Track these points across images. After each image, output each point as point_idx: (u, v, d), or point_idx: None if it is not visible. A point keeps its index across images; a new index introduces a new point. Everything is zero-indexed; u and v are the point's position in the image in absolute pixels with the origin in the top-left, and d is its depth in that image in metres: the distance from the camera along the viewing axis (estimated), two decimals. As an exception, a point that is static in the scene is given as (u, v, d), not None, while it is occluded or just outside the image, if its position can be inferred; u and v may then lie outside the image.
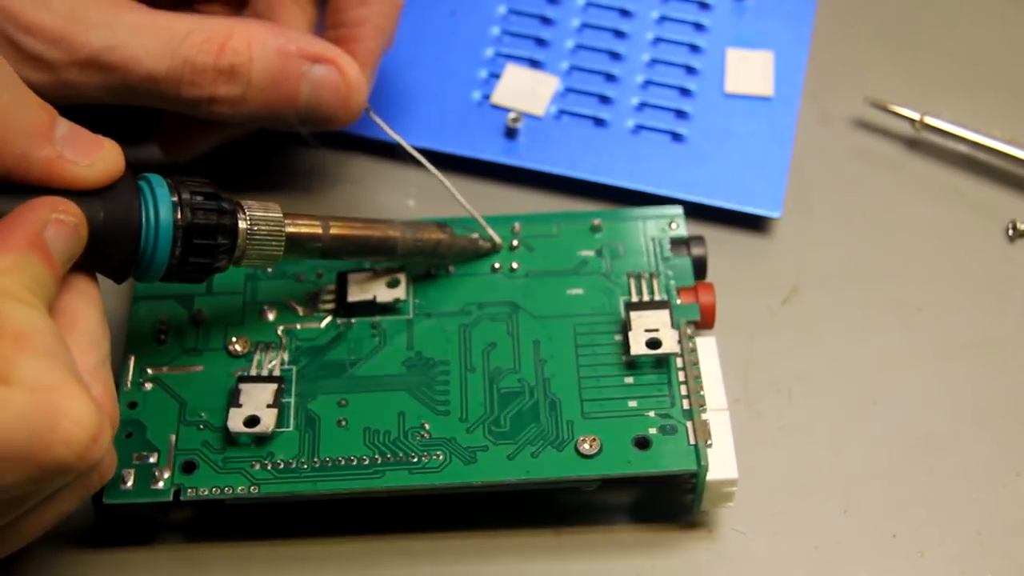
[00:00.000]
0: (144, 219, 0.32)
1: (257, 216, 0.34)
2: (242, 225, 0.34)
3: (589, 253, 0.39)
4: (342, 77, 0.38)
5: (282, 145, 0.44)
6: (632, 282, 0.38)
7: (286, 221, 0.35)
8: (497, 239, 0.39)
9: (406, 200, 0.43)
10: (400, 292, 0.38)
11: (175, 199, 0.32)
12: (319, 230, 0.35)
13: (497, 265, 0.39)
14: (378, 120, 0.39)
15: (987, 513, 0.37)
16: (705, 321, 0.38)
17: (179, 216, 0.32)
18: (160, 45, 0.36)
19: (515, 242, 0.40)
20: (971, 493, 0.38)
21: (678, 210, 0.40)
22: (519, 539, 0.36)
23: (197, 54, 0.36)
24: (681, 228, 0.40)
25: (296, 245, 0.35)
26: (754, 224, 0.43)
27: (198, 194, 0.33)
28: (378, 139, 0.43)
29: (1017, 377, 0.40)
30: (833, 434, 0.39)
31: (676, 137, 0.43)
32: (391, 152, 0.43)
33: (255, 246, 0.34)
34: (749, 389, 0.39)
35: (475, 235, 0.39)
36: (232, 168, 0.44)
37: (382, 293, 0.38)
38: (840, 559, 0.36)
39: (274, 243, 0.34)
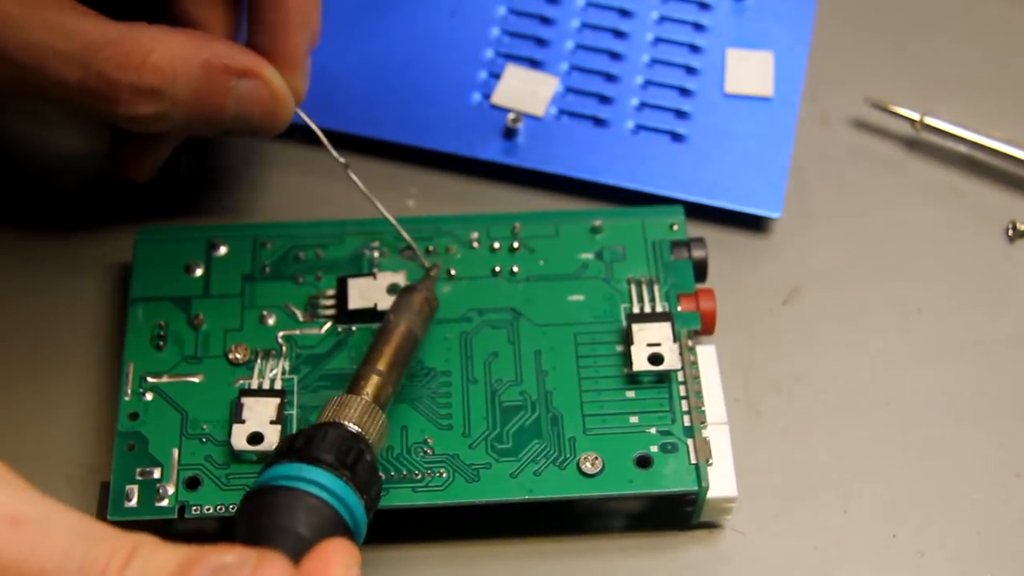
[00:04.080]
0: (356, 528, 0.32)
1: (368, 427, 0.33)
2: (368, 437, 0.33)
3: (589, 256, 0.39)
4: (268, 90, 0.37)
5: (275, 144, 0.44)
6: (633, 288, 0.38)
7: (370, 405, 0.34)
8: (426, 263, 0.39)
9: (406, 200, 0.43)
10: (401, 299, 0.38)
11: (363, 496, 0.32)
12: (380, 379, 0.35)
13: (498, 268, 0.39)
14: (310, 122, 0.38)
15: (987, 513, 0.37)
16: (705, 328, 0.38)
17: (365, 500, 0.32)
18: (74, 51, 0.34)
19: (516, 244, 0.40)
20: (971, 493, 0.38)
21: (679, 211, 0.40)
22: (518, 540, 0.36)
23: (113, 69, 0.34)
24: (682, 230, 0.40)
25: (385, 405, 0.35)
26: (754, 224, 0.43)
27: (358, 475, 0.32)
28: (378, 140, 0.43)
29: (1017, 377, 0.40)
30: (833, 434, 0.39)
31: (676, 137, 0.43)
32: (390, 152, 0.43)
33: (377, 440, 0.34)
34: (749, 390, 0.39)
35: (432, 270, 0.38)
36: (219, 168, 0.44)
37: (383, 300, 0.38)
38: (840, 559, 0.37)
39: (381, 424, 0.34)
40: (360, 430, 0.33)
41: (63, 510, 0.27)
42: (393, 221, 0.38)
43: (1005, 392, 0.39)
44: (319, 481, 0.31)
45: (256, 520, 0.30)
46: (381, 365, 0.35)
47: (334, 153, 0.38)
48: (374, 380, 0.35)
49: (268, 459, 0.32)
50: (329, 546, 0.29)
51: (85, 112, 0.36)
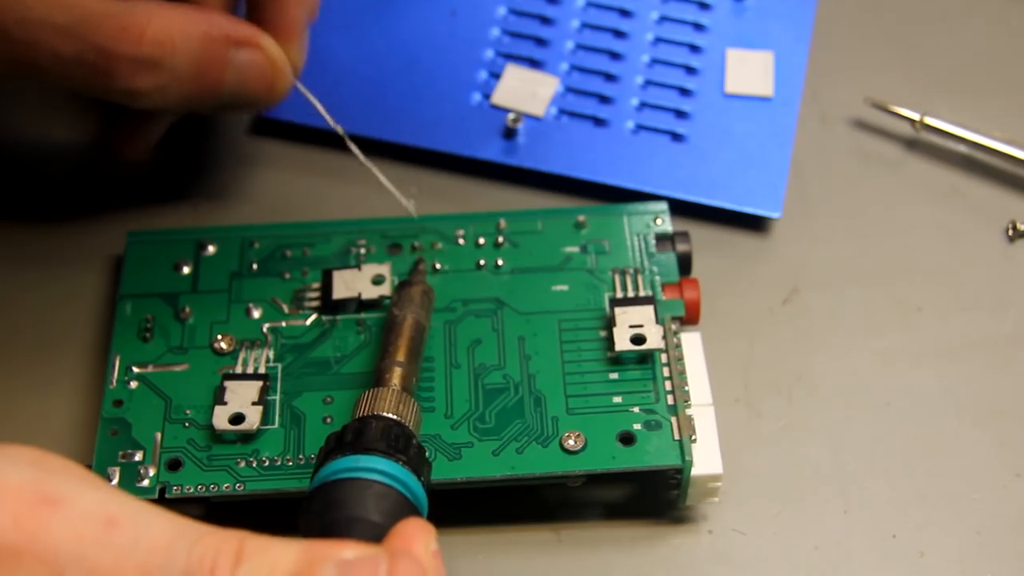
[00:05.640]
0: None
1: (405, 414, 0.34)
2: (408, 422, 0.34)
3: (574, 249, 0.39)
4: (266, 60, 0.37)
5: (275, 143, 0.44)
6: (617, 278, 0.38)
7: (401, 393, 0.34)
8: (412, 210, 0.39)
9: (406, 200, 0.43)
10: (385, 289, 0.38)
11: (420, 477, 0.32)
12: (403, 369, 0.35)
13: (482, 262, 0.39)
14: (307, 93, 0.38)
15: (987, 513, 0.37)
16: (690, 317, 0.38)
17: (423, 480, 0.32)
18: (73, 25, 0.34)
19: (500, 239, 0.40)
20: (971, 493, 0.38)
21: (663, 206, 0.40)
22: (518, 535, 0.36)
23: (112, 42, 0.34)
24: (666, 224, 0.40)
25: (413, 393, 0.35)
26: (754, 224, 0.43)
27: (411, 458, 0.32)
28: (378, 139, 0.43)
29: (1017, 377, 0.40)
30: (833, 434, 0.39)
31: (676, 137, 0.43)
32: (390, 152, 0.43)
33: (415, 425, 0.34)
34: (749, 389, 0.39)
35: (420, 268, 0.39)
36: (219, 169, 0.44)
37: (367, 290, 0.38)
38: (840, 559, 0.36)
39: (416, 410, 0.34)
40: (399, 417, 0.33)
41: (156, 509, 0.27)
42: (392, 188, 0.38)
43: (1005, 392, 0.39)
44: (380, 468, 0.31)
45: (326, 515, 0.30)
46: (400, 356, 0.35)
47: (331, 123, 0.38)
48: (398, 371, 0.35)
49: (317, 459, 0.33)
50: (407, 526, 0.29)
51: (83, 89, 0.36)
